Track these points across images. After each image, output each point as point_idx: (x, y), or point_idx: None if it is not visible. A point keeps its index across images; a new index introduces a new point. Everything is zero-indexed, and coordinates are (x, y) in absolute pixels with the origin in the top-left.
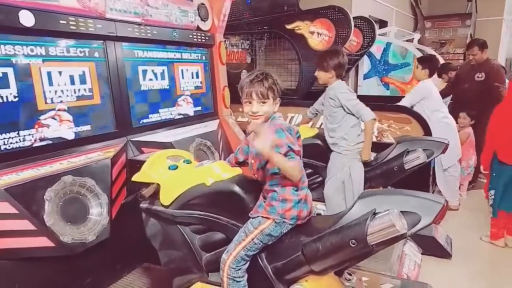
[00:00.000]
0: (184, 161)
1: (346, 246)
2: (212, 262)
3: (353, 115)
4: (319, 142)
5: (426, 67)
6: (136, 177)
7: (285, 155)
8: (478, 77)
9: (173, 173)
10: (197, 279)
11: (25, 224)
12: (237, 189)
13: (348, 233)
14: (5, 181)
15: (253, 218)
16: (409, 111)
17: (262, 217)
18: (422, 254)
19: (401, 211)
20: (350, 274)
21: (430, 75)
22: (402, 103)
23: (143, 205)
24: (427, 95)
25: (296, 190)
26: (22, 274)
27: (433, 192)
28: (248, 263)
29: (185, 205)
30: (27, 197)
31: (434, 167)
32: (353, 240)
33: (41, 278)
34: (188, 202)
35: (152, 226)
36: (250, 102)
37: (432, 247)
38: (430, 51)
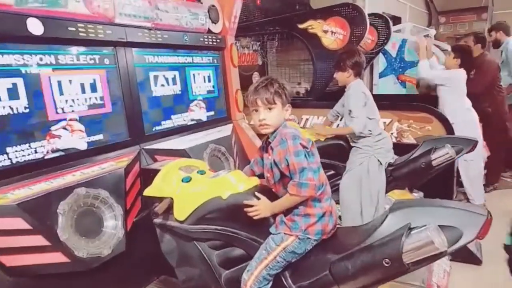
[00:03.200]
0: (198, 172)
1: (379, 265)
2: (232, 280)
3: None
4: (341, 142)
5: (458, 57)
6: (148, 192)
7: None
8: (470, 74)
9: (187, 186)
10: None
11: (39, 240)
12: (255, 202)
13: (381, 251)
14: (18, 195)
15: (274, 234)
16: (430, 110)
17: (285, 233)
18: (450, 260)
19: (440, 226)
20: None
21: (461, 66)
22: (422, 72)
23: (157, 220)
24: (456, 83)
25: (319, 202)
26: None
27: (456, 196)
28: (271, 282)
29: (201, 220)
30: (40, 212)
31: (457, 168)
32: (387, 259)
33: None
34: (204, 217)
35: (167, 242)
36: (256, 110)
37: (461, 254)
38: (446, 46)
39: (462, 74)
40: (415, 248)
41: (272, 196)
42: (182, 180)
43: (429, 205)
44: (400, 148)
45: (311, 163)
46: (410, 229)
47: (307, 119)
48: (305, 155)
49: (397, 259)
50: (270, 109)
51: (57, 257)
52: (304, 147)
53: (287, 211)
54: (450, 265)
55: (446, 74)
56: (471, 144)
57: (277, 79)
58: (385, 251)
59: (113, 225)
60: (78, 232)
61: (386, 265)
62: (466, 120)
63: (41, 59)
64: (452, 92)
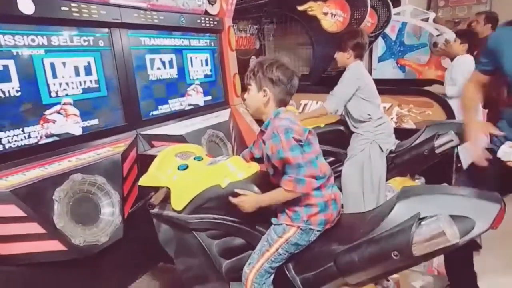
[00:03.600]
0: (194, 158)
1: (387, 257)
2: (232, 270)
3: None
4: (341, 128)
5: (465, 42)
6: (143, 181)
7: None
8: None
9: (184, 174)
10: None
11: (34, 228)
12: (256, 190)
13: (390, 242)
14: (11, 182)
15: (276, 225)
16: (430, 94)
17: (286, 224)
18: None
19: (451, 216)
20: (388, 280)
21: (468, 51)
22: (450, 92)
23: (154, 210)
24: (467, 71)
25: (321, 191)
26: (34, 280)
27: (454, 181)
28: (273, 275)
29: (199, 209)
30: (35, 199)
31: (457, 154)
32: (396, 252)
33: (54, 283)
34: (202, 206)
35: (165, 232)
36: None
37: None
38: (445, 30)
39: (471, 59)
40: (425, 240)
41: (271, 183)
42: (179, 168)
43: (439, 193)
44: (400, 133)
45: (308, 153)
46: (420, 219)
47: (305, 104)
48: (300, 149)
49: (406, 252)
50: (248, 89)
51: (53, 245)
52: (298, 140)
53: (287, 202)
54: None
55: (457, 68)
56: None
57: (266, 61)
58: (394, 243)
59: (110, 212)
60: (74, 219)
61: (395, 257)
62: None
63: (33, 40)
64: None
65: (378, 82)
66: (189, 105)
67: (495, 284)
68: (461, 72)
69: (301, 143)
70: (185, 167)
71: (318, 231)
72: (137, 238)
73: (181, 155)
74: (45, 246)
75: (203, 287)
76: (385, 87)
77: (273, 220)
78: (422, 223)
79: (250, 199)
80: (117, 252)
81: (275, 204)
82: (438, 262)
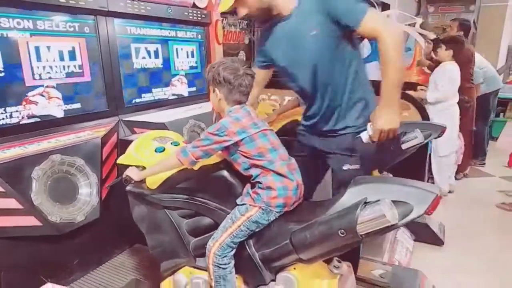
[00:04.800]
0: (172, 143)
1: (335, 235)
2: (199, 247)
3: None
4: None
5: (450, 48)
6: (121, 160)
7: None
8: None
9: (160, 156)
10: (185, 263)
11: (12, 203)
12: (225, 173)
13: (338, 222)
14: None
15: (240, 205)
16: (407, 96)
17: (249, 204)
18: (414, 240)
19: (393, 201)
20: (339, 261)
21: (453, 57)
22: (432, 97)
23: (129, 188)
24: (456, 76)
25: (282, 177)
26: (9, 253)
27: (428, 180)
28: (234, 250)
29: (172, 189)
30: (14, 176)
31: (430, 155)
32: (342, 230)
33: (29, 258)
34: (175, 186)
35: (139, 209)
36: None
37: (425, 234)
38: (431, 36)
39: (455, 67)
40: (368, 220)
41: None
42: (156, 150)
43: (385, 182)
44: None
45: (249, 150)
46: (366, 203)
47: (289, 100)
48: (210, 142)
49: (352, 230)
50: (209, 90)
51: (29, 221)
52: (223, 141)
53: (252, 185)
54: (413, 245)
55: (442, 76)
56: (439, 130)
57: (221, 61)
58: (341, 223)
59: (88, 192)
60: (52, 197)
61: (341, 235)
62: (455, 115)
63: (18, 23)
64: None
65: None
66: (173, 95)
67: (458, 281)
68: (447, 79)
69: (221, 144)
70: (162, 150)
71: (277, 212)
72: (114, 219)
73: (160, 140)
74: (21, 221)
75: (171, 261)
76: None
77: (238, 200)
78: (367, 206)
79: (131, 170)
80: (94, 231)
81: (165, 170)
82: (400, 254)
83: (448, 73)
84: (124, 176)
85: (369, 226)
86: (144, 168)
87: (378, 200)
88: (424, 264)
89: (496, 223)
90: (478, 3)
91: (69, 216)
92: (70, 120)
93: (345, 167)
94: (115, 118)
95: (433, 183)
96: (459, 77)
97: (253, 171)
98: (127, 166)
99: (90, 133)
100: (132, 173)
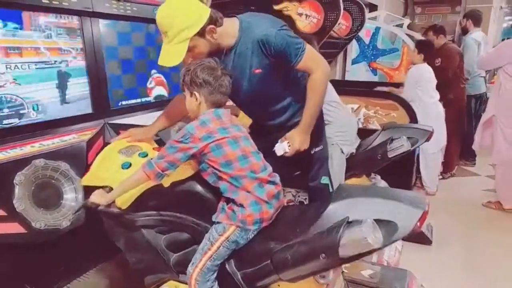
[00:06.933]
0: (139, 154)
1: (316, 258)
2: (180, 263)
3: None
4: None
5: (421, 52)
6: (85, 180)
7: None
8: (436, 62)
9: (127, 173)
10: (169, 277)
11: None
12: (199, 188)
13: (319, 245)
14: None
15: (216, 223)
16: (396, 97)
17: (226, 223)
18: (403, 240)
19: (377, 220)
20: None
21: (425, 60)
22: (405, 95)
23: (101, 208)
24: (418, 78)
25: (253, 191)
26: None
27: (416, 179)
28: (216, 272)
29: (144, 207)
30: None
31: (418, 155)
32: (323, 254)
33: (13, 265)
34: (147, 204)
35: (113, 229)
36: None
37: (413, 234)
38: (419, 37)
39: (424, 67)
40: (350, 244)
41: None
42: (122, 167)
43: (370, 196)
44: (365, 133)
45: (216, 159)
46: (349, 222)
47: None
48: (173, 150)
49: (333, 254)
50: (184, 96)
51: (13, 227)
52: (186, 149)
53: (228, 200)
54: (402, 245)
55: (409, 76)
56: (427, 135)
57: (197, 65)
58: (322, 246)
59: (73, 198)
60: (36, 203)
61: (322, 259)
62: (438, 113)
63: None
64: (424, 91)
65: (349, 83)
66: (159, 96)
67: (446, 280)
68: (408, 81)
69: (186, 152)
70: (128, 166)
71: (255, 229)
72: (100, 225)
73: (126, 151)
74: (4, 228)
75: (154, 276)
76: (354, 88)
77: (213, 217)
78: (348, 228)
79: (98, 193)
80: (79, 238)
81: (133, 186)
82: (389, 254)
83: (415, 74)
84: (89, 203)
85: (351, 249)
86: (111, 189)
87: (361, 221)
88: (413, 264)
89: (483, 222)
90: (463, 4)
91: (54, 223)
92: (53, 124)
93: (312, 151)
94: (101, 121)
95: (421, 182)
96: (428, 77)
97: (221, 184)
98: (93, 187)
99: (75, 136)
100: (98, 198)
